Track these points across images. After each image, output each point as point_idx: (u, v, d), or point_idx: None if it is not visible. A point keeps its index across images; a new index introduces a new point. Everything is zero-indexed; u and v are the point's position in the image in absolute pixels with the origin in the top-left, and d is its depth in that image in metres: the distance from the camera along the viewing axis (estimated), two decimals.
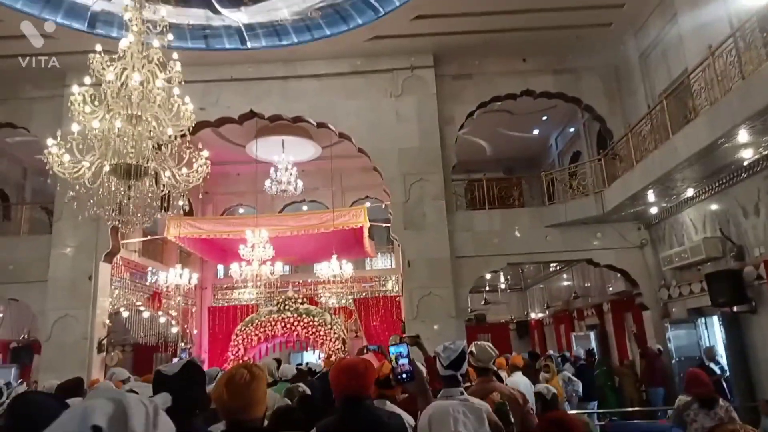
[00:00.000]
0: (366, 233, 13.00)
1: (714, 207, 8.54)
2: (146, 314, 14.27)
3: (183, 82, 5.82)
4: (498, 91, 11.31)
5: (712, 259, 8.39)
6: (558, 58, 11.27)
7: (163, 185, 6.02)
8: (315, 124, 11.22)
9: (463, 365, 2.90)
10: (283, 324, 13.08)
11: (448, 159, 10.97)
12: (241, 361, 12.58)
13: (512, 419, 3.16)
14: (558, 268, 15.49)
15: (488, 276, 15.58)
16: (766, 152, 6.93)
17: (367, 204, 14.88)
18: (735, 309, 7.72)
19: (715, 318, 8.87)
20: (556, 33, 10.59)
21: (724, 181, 8.06)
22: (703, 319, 9.24)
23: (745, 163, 7.40)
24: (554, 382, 6.60)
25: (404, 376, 2.08)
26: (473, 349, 3.28)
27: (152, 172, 5.72)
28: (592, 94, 11.35)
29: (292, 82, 11.21)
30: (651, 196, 9.06)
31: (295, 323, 13.02)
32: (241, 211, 17.27)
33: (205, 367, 13.69)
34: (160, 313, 14.39)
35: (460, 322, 10.08)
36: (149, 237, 13.39)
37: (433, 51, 11.12)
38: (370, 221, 13.02)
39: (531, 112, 13.95)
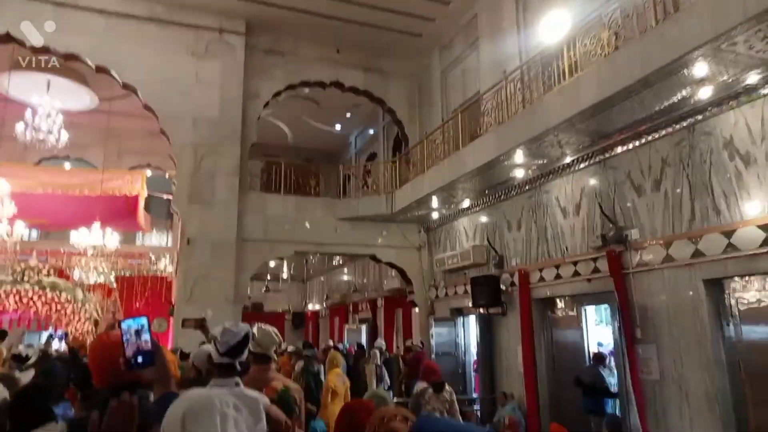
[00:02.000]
0: (141, 203, 11.46)
1: (484, 219, 9.43)
2: None
3: None
4: (308, 76, 10.99)
5: (477, 265, 9.24)
6: (370, 56, 11.41)
7: None
8: (93, 67, 9.47)
9: (244, 352, 2.46)
10: (18, 297, 10.74)
11: (248, 136, 10.27)
12: None
13: (297, 409, 2.80)
14: (341, 261, 15.79)
15: (272, 264, 15.20)
16: (533, 175, 7.82)
17: (148, 172, 13.24)
18: (490, 311, 8.59)
19: (473, 318, 9.80)
20: (370, 31, 10.67)
21: (496, 196, 8.93)
22: (462, 319, 10.14)
23: (515, 183, 8.29)
24: (334, 373, 6.41)
25: (141, 359, 1.41)
26: (254, 331, 2.86)
27: None
28: (396, 99, 11.75)
29: (70, 12, 9.29)
30: (435, 201, 9.66)
31: (35, 298, 10.79)
32: None
33: None
34: None
35: (237, 308, 9.43)
36: None
37: (246, 18, 10.30)
38: (149, 191, 11.55)
39: (336, 107, 14.05)
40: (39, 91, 11.70)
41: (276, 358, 3.88)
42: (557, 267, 7.31)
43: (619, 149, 6.40)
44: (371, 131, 15.28)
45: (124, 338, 1.40)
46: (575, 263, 7.00)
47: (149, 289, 13.57)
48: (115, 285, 13.70)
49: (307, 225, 10.53)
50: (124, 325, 1.43)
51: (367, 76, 11.48)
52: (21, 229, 9.70)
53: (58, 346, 7.02)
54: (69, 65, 10.43)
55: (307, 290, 19.45)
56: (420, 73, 11.84)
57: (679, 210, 5.60)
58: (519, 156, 7.21)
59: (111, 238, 11.44)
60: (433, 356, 10.01)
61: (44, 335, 12.11)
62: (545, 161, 7.37)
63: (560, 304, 7.75)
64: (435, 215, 10.55)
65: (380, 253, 11.03)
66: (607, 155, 6.62)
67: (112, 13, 9.57)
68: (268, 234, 10.10)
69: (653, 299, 5.78)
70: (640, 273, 5.96)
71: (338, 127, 15.85)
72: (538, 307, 7.78)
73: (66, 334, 6.97)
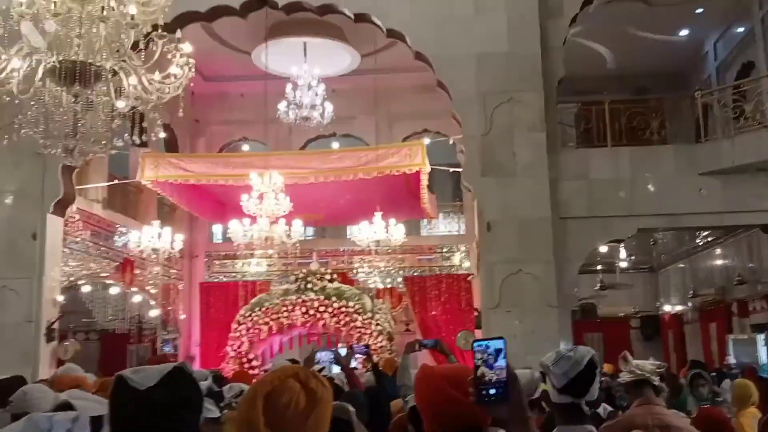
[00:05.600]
0: (424, 182, 12.45)
1: None
2: (115, 290, 14.32)
3: None
4: None
5: None
6: None
7: (127, 95, 5.64)
8: (352, 16, 10.62)
9: (592, 387, 2.45)
10: (304, 309, 12.87)
11: (553, 71, 10.23)
12: (246, 361, 12.49)
13: None
14: (710, 238, 14.76)
15: (603, 249, 14.94)
16: None
17: (426, 140, 14.29)
18: None
19: None
20: None
21: None
22: None
23: None
24: (747, 415, 5.97)
25: (493, 392, 1.50)
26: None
27: (108, 75, 5.32)
28: None
29: None
30: None
31: (321, 309, 12.77)
32: (245, 147, 17.01)
33: (195, 367, 13.73)
34: (134, 288, 14.41)
35: (564, 314, 9.54)
36: (116, 181, 13.27)
37: None
38: (430, 164, 12.47)
39: (677, 3, 13.09)
40: (296, 59, 13.75)
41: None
42: None
43: None
44: (740, 29, 13.89)
45: (476, 362, 1.51)
46: None
47: (445, 292, 14.79)
48: (404, 288, 15.32)
49: (651, 188, 10.06)
50: (476, 346, 1.55)
51: None
52: (299, 229, 11.56)
53: (355, 364, 8.08)
54: (324, 21, 11.94)
55: (659, 283, 18.77)
56: None
57: None
58: None
59: (395, 231, 12.76)
60: None
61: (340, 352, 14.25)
62: None
63: None
64: None
65: None
66: None
67: None
68: (596, 207, 9.96)
69: None
70: None
71: (684, 33, 14.83)
72: None
73: (368, 348, 7.85)
